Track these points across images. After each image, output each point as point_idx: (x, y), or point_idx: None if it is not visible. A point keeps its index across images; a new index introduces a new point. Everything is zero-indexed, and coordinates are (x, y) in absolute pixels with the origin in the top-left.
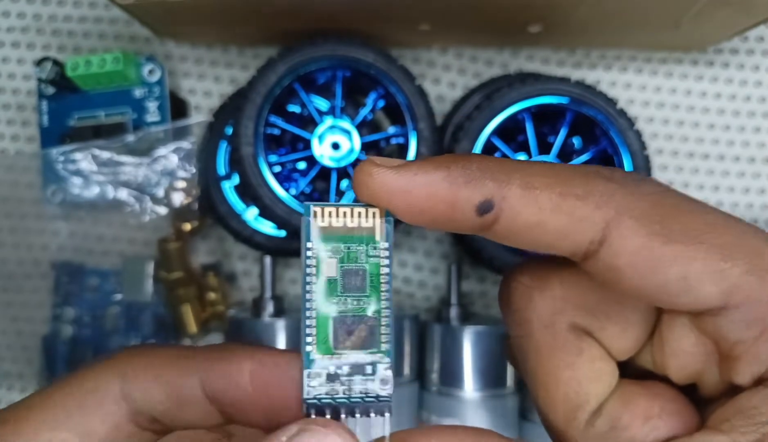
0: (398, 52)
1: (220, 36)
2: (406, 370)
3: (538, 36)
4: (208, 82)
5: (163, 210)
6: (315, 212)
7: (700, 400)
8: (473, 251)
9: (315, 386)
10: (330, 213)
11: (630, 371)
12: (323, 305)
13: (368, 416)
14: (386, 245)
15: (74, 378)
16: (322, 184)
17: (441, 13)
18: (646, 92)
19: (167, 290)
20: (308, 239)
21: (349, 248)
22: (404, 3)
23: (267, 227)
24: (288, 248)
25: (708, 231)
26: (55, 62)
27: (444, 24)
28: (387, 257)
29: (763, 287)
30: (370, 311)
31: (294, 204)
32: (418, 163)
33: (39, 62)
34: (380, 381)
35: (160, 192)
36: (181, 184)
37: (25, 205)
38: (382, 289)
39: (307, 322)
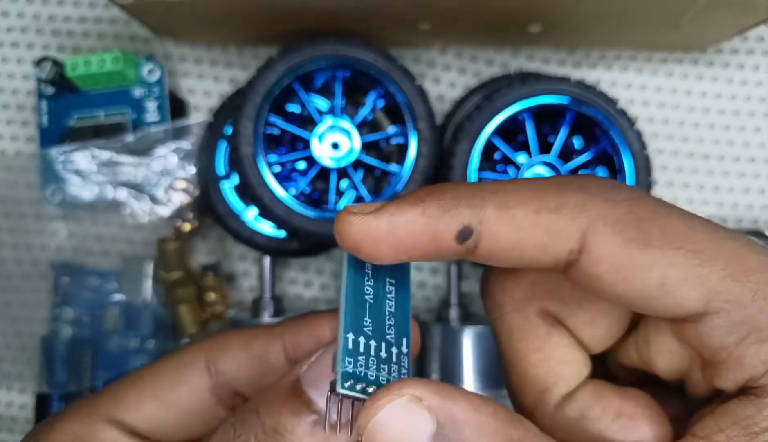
0: (398, 52)
1: (220, 36)
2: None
3: (538, 36)
4: (207, 82)
5: (162, 210)
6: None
7: (689, 401)
8: None
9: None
10: None
11: (616, 369)
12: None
13: None
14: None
15: (169, 356)
16: (322, 185)
17: (441, 13)
18: (646, 92)
19: (166, 290)
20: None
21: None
22: (404, 3)
23: (266, 227)
24: (287, 249)
25: (686, 236)
26: (55, 62)
27: (444, 24)
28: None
29: (743, 291)
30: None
31: (294, 204)
32: (394, 204)
33: (38, 62)
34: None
35: (160, 192)
36: (181, 184)
37: (25, 205)
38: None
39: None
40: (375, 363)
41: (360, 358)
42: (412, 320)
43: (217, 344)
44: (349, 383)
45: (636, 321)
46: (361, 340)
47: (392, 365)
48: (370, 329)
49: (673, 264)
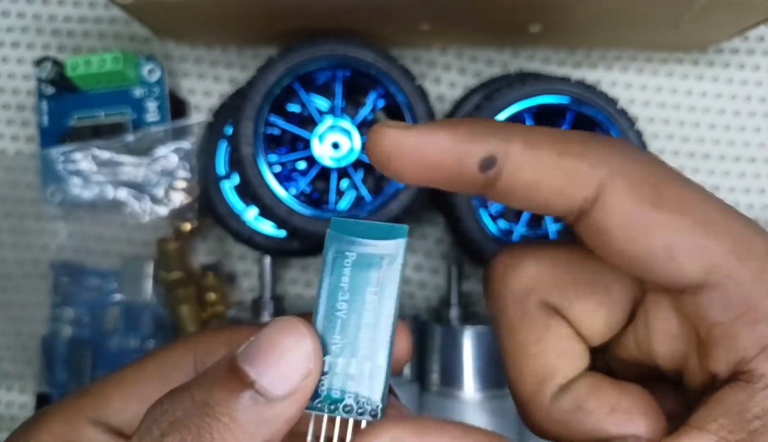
0: (398, 52)
1: (220, 36)
2: (406, 370)
3: (539, 36)
4: (207, 81)
5: (162, 210)
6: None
7: (687, 394)
8: (474, 252)
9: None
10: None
11: (615, 365)
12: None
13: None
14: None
15: (156, 353)
16: (322, 184)
17: (441, 13)
18: (646, 92)
19: (167, 290)
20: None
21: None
22: (404, 3)
23: (267, 227)
24: (288, 248)
25: (699, 207)
26: (55, 62)
27: (444, 24)
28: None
29: (744, 269)
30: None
31: (294, 204)
32: (428, 124)
33: (38, 62)
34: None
35: (160, 192)
36: (181, 184)
37: (25, 205)
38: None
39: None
40: (342, 381)
41: (323, 378)
42: (400, 326)
43: (204, 343)
44: (317, 403)
45: (634, 313)
46: (327, 359)
47: (363, 380)
48: (339, 346)
49: (681, 230)
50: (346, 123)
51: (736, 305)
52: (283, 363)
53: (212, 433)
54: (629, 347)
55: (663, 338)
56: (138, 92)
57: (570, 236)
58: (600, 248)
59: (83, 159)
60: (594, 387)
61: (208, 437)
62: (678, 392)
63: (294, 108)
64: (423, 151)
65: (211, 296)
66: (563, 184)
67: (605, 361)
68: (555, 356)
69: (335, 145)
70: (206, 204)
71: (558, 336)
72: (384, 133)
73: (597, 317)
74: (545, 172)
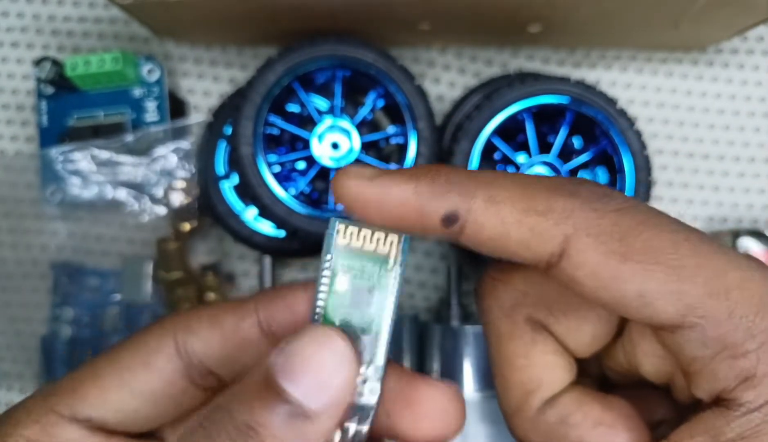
0: (398, 52)
1: (219, 36)
2: None
3: (538, 36)
4: (207, 81)
5: (162, 210)
6: (339, 230)
7: (678, 402)
8: (473, 252)
9: None
10: (352, 233)
11: (609, 371)
12: (330, 314)
13: (351, 420)
14: (399, 270)
15: (132, 340)
16: (322, 184)
17: (441, 13)
18: (646, 92)
19: (166, 290)
20: (328, 252)
21: (363, 267)
22: (404, 3)
23: (266, 227)
24: (287, 248)
25: (669, 250)
26: (54, 62)
27: (444, 24)
28: (397, 282)
29: (719, 308)
30: (373, 327)
31: (293, 204)
32: (390, 174)
33: (38, 62)
34: (369, 391)
35: (159, 192)
36: (180, 184)
37: (24, 205)
38: (386, 312)
39: (314, 322)
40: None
41: None
42: (454, 395)
43: (185, 323)
44: None
45: (623, 327)
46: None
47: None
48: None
49: (652, 278)
50: (345, 123)
51: (714, 343)
52: (322, 377)
53: None
54: (619, 359)
55: (649, 358)
56: (137, 92)
57: None
58: (574, 292)
59: (83, 159)
60: (579, 401)
61: None
62: (670, 397)
63: (293, 108)
64: (383, 203)
65: (211, 295)
66: (528, 239)
67: (599, 367)
68: (541, 370)
69: (335, 145)
70: (206, 204)
71: (544, 351)
72: (345, 183)
73: (583, 332)
74: (508, 227)
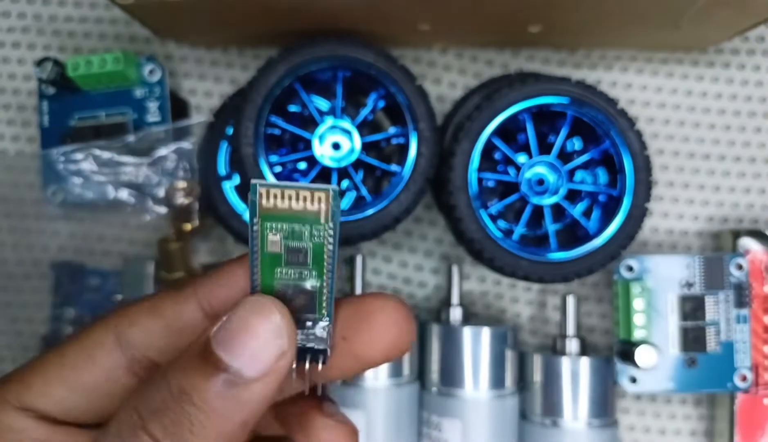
0: (398, 52)
1: (221, 36)
2: (407, 370)
3: (539, 36)
4: (208, 82)
5: (163, 210)
6: (261, 193)
7: None
8: (474, 252)
9: None
10: (275, 195)
11: None
12: (267, 278)
13: (305, 361)
14: (331, 225)
15: (78, 334)
16: None
17: (441, 13)
18: (646, 92)
19: None
20: (254, 216)
21: (293, 228)
22: (404, 3)
23: None
24: None
25: None
26: (56, 62)
27: (444, 24)
28: (331, 236)
29: None
30: (310, 285)
31: None
32: None
33: (39, 62)
34: (318, 337)
35: (161, 192)
36: (182, 184)
37: (26, 205)
38: (326, 266)
39: (254, 290)
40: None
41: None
42: (403, 312)
43: (125, 315)
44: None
45: None
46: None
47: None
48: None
49: None
50: (346, 124)
51: None
52: (255, 345)
53: (191, 420)
54: None
55: None
56: (139, 93)
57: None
58: None
59: (84, 159)
60: None
61: (187, 424)
62: None
63: (295, 108)
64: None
65: None
66: None
67: None
68: None
69: (336, 146)
70: (207, 204)
71: None
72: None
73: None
74: None
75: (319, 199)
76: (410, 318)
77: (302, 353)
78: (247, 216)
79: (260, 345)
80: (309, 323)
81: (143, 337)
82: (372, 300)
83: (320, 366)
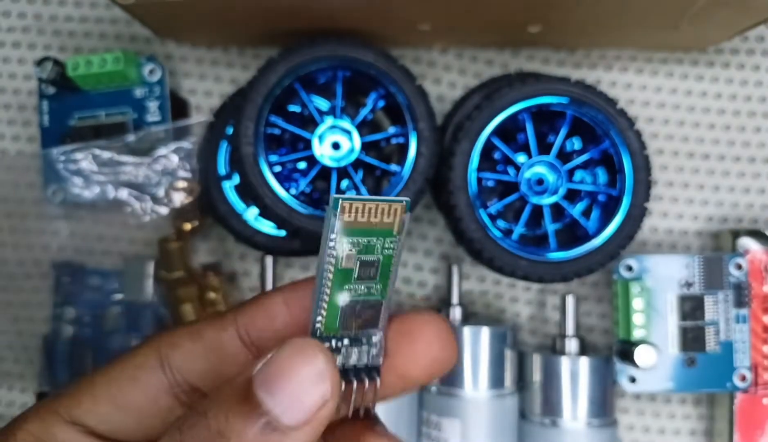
0: (398, 52)
1: (221, 36)
2: None
3: (538, 36)
4: (208, 82)
5: (163, 210)
6: (343, 208)
7: None
8: (474, 252)
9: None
10: (356, 209)
11: None
12: (336, 294)
13: (361, 381)
14: (401, 238)
15: (125, 355)
16: (323, 184)
17: (441, 13)
18: (646, 92)
19: (168, 289)
20: (332, 232)
21: (368, 241)
22: (404, 3)
23: (267, 227)
24: (288, 248)
25: None
26: (56, 62)
27: (444, 24)
28: (400, 249)
29: None
30: (377, 295)
31: (294, 204)
32: None
33: (40, 62)
34: (372, 353)
35: (161, 192)
36: (182, 184)
37: (26, 205)
38: (390, 279)
39: (320, 307)
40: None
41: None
42: (445, 334)
43: (167, 340)
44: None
45: None
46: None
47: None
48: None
49: None
50: (346, 123)
51: None
52: (298, 391)
53: None
54: None
55: None
56: (139, 92)
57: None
58: None
59: (84, 159)
60: None
61: None
62: None
63: (294, 108)
64: None
65: (212, 295)
66: None
67: None
68: None
69: (335, 146)
70: (207, 204)
71: None
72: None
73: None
74: None
75: (395, 212)
76: (452, 335)
77: (355, 373)
78: (247, 216)
79: (302, 390)
80: (364, 339)
81: (184, 360)
82: (414, 317)
83: (378, 383)
